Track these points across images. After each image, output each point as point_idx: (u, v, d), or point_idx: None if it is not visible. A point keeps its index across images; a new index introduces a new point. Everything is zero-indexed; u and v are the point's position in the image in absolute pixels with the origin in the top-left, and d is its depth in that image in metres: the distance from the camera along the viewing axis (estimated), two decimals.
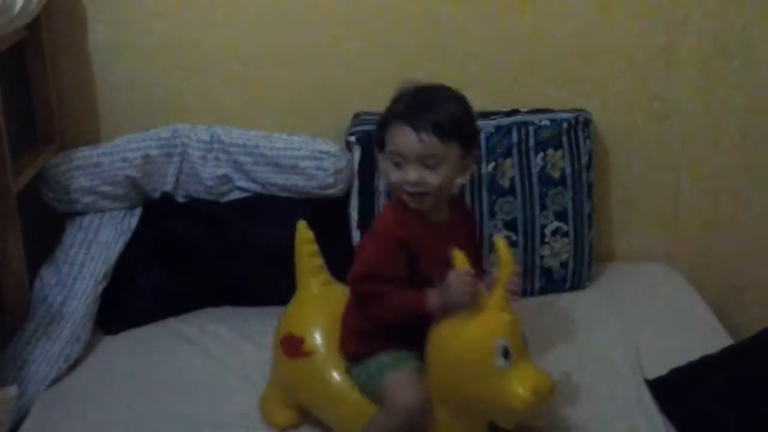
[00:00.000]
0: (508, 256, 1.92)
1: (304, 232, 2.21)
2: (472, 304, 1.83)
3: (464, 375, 1.84)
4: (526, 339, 1.90)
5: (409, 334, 1.92)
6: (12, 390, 2.09)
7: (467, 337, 1.83)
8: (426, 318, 1.88)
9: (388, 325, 1.95)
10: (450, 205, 2.05)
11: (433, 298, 1.86)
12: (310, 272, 2.20)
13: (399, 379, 1.91)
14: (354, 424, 1.97)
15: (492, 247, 2.06)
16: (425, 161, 1.91)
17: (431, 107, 1.92)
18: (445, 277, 1.85)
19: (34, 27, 2.50)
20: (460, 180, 2.00)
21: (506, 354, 1.80)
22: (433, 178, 1.92)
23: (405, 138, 1.91)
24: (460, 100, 1.99)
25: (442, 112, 1.92)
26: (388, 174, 1.98)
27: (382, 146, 1.99)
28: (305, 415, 2.15)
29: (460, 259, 1.86)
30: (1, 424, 2.04)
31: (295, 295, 2.22)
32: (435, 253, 1.91)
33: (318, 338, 2.09)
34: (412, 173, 1.91)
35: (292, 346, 2.10)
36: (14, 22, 2.29)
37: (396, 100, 1.99)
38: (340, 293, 2.13)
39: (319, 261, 2.21)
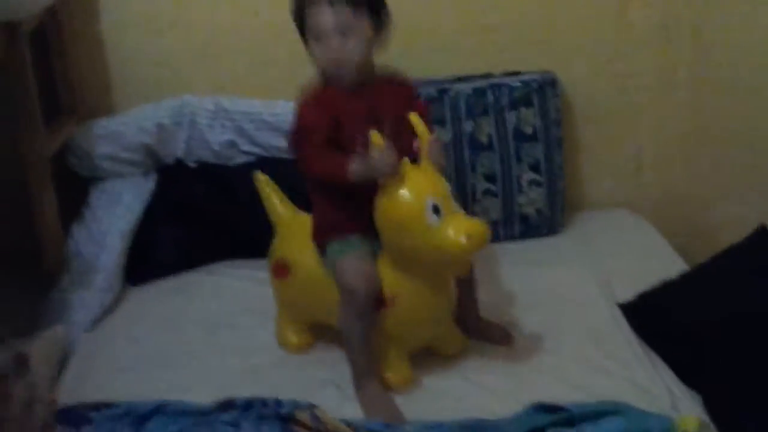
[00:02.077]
0: (422, 127, 2.12)
1: (260, 177, 2.46)
2: (393, 174, 2.03)
3: (404, 234, 2.06)
4: (455, 195, 2.12)
5: (359, 220, 2.13)
6: (60, 329, 2.30)
7: (399, 200, 2.04)
8: (358, 188, 2.07)
9: (324, 181, 2.14)
10: (379, 79, 2.19)
11: (354, 165, 2.06)
12: (277, 205, 2.43)
13: (343, 265, 2.13)
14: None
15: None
16: (343, 32, 2.07)
17: None
18: (366, 150, 2.05)
19: (54, 10, 2.67)
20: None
21: (436, 210, 2.01)
22: (351, 46, 2.08)
23: (322, 13, 2.07)
24: None
25: None
26: (313, 53, 2.13)
27: (303, 31, 2.15)
28: (317, 335, 2.38)
29: (376, 138, 2.03)
30: (51, 358, 2.22)
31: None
32: (357, 121, 2.10)
33: (296, 253, 2.30)
34: (333, 43, 2.08)
35: (279, 269, 2.34)
36: (37, 5, 2.48)
37: None
38: (306, 218, 2.34)
39: (281, 194, 2.44)
